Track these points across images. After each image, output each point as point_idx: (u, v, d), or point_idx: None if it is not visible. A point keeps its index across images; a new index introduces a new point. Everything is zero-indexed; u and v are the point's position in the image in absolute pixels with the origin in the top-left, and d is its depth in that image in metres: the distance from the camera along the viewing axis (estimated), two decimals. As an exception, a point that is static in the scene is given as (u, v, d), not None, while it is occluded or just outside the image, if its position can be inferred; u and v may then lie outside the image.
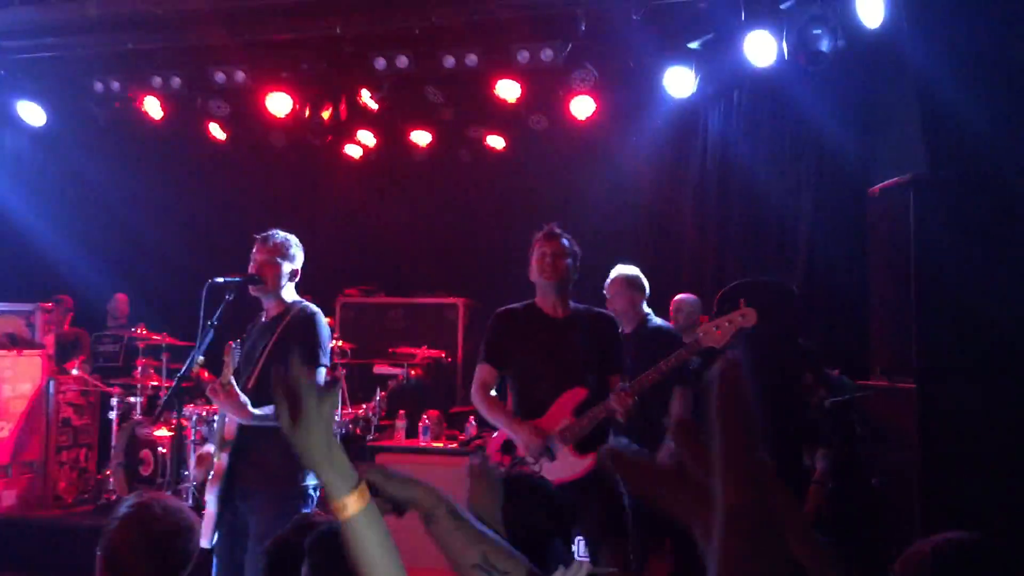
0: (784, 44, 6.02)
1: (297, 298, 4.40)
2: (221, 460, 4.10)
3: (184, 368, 4.11)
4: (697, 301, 6.29)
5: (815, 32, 5.87)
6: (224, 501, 4.05)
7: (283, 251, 4.32)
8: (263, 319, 4.40)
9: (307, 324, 4.26)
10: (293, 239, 4.40)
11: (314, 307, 4.37)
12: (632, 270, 5.54)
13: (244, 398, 4.02)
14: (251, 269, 4.33)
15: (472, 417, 6.79)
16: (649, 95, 7.52)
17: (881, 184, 4.95)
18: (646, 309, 5.49)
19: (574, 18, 6.77)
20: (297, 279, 4.40)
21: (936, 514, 4.32)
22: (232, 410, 4.07)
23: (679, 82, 7.07)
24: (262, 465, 4.03)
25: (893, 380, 4.71)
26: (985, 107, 4.74)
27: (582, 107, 7.46)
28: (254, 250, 4.34)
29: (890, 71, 5.98)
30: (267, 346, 4.22)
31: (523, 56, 7.15)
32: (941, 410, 4.40)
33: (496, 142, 8.65)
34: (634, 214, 8.52)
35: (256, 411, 4.02)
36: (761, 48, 6.25)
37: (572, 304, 4.44)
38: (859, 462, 5.05)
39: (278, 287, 4.31)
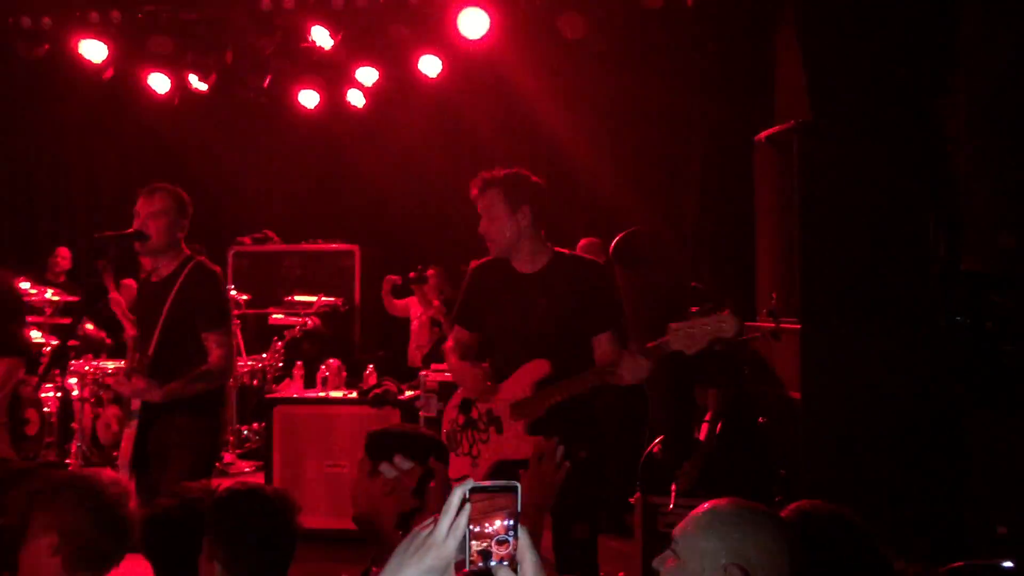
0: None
1: (188, 254, 4.24)
2: (130, 428, 4.02)
3: (71, 324, 4.00)
4: (602, 244, 6.36)
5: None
6: (138, 467, 3.99)
7: (170, 205, 4.15)
8: (152, 279, 4.25)
9: (207, 283, 4.15)
10: (180, 192, 4.24)
11: (211, 264, 4.25)
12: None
13: (150, 383, 3.92)
14: (135, 225, 4.17)
15: (371, 366, 6.77)
16: (543, 35, 7.45)
17: (766, 131, 5.07)
18: None
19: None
20: (184, 234, 4.26)
21: (816, 451, 4.54)
22: (141, 396, 3.97)
23: (572, 25, 7.04)
24: (172, 427, 3.98)
25: (778, 321, 4.89)
26: (867, 50, 4.88)
27: (473, 22, 7.22)
28: (138, 205, 4.15)
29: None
30: (164, 309, 4.09)
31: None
32: (822, 351, 4.59)
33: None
34: (531, 158, 8.54)
35: (164, 390, 3.94)
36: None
37: (555, 251, 3.76)
38: (747, 401, 5.25)
39: (166, 244, 4.16)
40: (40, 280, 8.10)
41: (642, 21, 6.85)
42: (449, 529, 1.34)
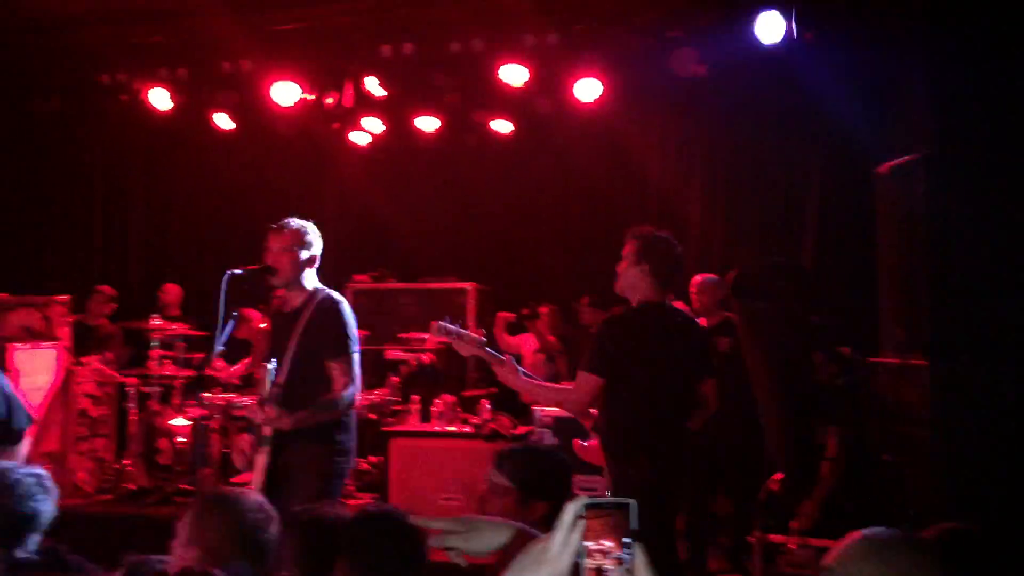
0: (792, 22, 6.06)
1: (319, 286, 4.38)
2: (261, 455, 4.15)
3: (205, 359, 4.19)
4: (720, 280, 6.34)
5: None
6: (269, 493, 4.12)
7: (298, 240, 4.31)
8: (285, 309, 4.42)
9: (333, 313, 4.27)
10: (309, 226, 4.38)
11: (337, 295, 4.38)
12: None
13: (280, 412, 4.06)
14: (267, 259, 4.35)
15: (484, 401, 6.87)
16: (655, 76, 7.52)
17: (890, 163, 4.98)
18: None
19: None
20: (315, 266, 4.39)
21: (945, 490, 4.38)
22: (272, 425, 4.12)
23: (684, 62, 7.08)
24: (302, 453, 4.10)
25: (904, 357, 4.76)
26: (995, 84, 4.77)
27: (588, 89, 7.47)
28: (268, 240, 4.34)
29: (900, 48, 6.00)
30: (293, 339, 4.24)
31: (528, 40, 7.23)
32: (952, 387, 4.45)
33: (502, 126, 8.65)
34: (641, 196, 8.56)
35: (293, 419, 4.07)
36: (770, 26, 6.28)
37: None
38: (871, 439, 5.11)
39: (295, 276, 4.31)
40: (162, 315, 8.51)
41: (758, 53, 6.84)
42: (563, 545, 1.35)
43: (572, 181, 8.94)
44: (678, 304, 5.19)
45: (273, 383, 4.17)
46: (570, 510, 1.36)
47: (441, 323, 3.96)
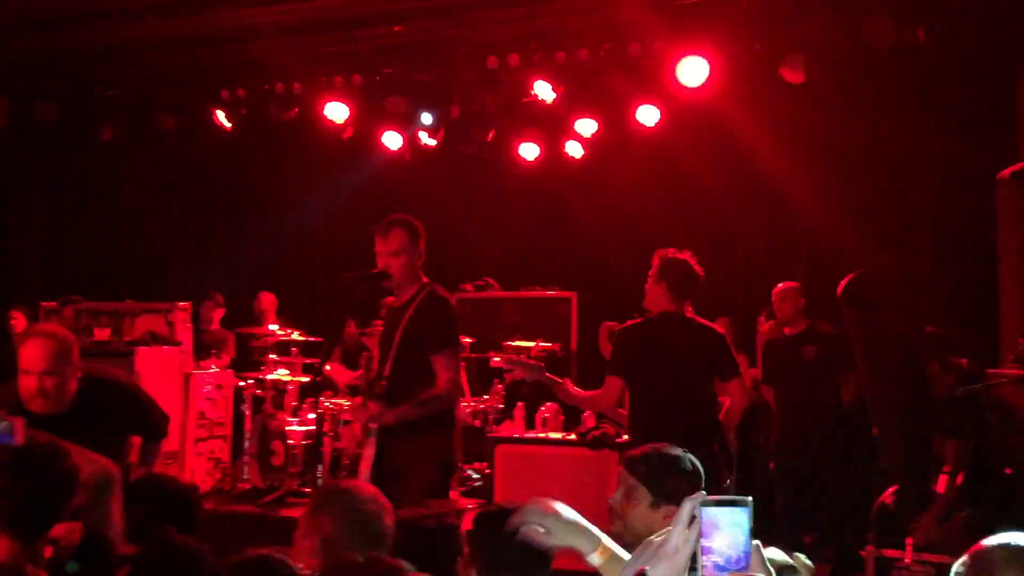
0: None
1: (425, 281, 4.45)
2: (368, 448, 4.26)
3: (321, 362, 4.33)
4: (800, 288, 6.36)
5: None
6: (376, 486, 4.23)
7: (405, 240, 4.38)
8: (394, 305, 4.52)
9: (439, 308, 4.36)
10: (413, 223, 4.45)
11: (443, 292, 4.46)
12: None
13: (383, 408, 4.18)
14: (379, 264, 4.44)
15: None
16: (763, 79, 7.44)
17: (1013, 167, 4.82)
18: None
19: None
20: (423, 261, 4.46)
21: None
22: (376, 421, 4.23)
23: (793, 69, 6.99)
24: (408, 448, 4.20)
25: (1028, 368, 4.59)
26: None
27: (693, 76, 7.35)
28: (376, 244, 4.42)
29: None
30: (399, 332, 4.34)
31: (635, 48, 7.26)
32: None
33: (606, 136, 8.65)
34: (750, 204, 8.48)
35: (395, 414, 4.17)
36: (879, 29, 6.17)
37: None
38: (991, 451, 4.94)
39: (406, 275, 4.40)
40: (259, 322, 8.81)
41: (869, 60, 6.71)
42: (681, 542, 1.36)
43: (678, 190, 8.91)
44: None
45: (378, 376, 4.28)
46: (687, 506, 1.37)
47: (507, 356, 4.23)
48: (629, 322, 4.96)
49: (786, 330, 6.51)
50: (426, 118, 8.24)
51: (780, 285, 6.54)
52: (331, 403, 7.14)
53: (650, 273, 4.86)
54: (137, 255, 9.96)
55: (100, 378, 3.77)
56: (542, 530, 2.04)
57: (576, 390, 4.81)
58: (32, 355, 3.48)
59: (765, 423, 6.91)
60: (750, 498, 1.34)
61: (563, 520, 2.05)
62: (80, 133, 9.02)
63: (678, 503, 2.69)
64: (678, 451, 2.91)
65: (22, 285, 8.94)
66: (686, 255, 4.87)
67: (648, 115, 7.95)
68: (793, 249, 8.13)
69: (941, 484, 5.00)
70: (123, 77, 8.83)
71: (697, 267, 4.84)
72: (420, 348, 4.29)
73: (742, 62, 7.12)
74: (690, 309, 4.92)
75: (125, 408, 3.88)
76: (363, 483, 2.92)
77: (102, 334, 7.41)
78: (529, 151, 8.88)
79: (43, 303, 7.78)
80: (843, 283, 5.18)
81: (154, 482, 3.07)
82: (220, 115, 8.64)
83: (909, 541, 4.79)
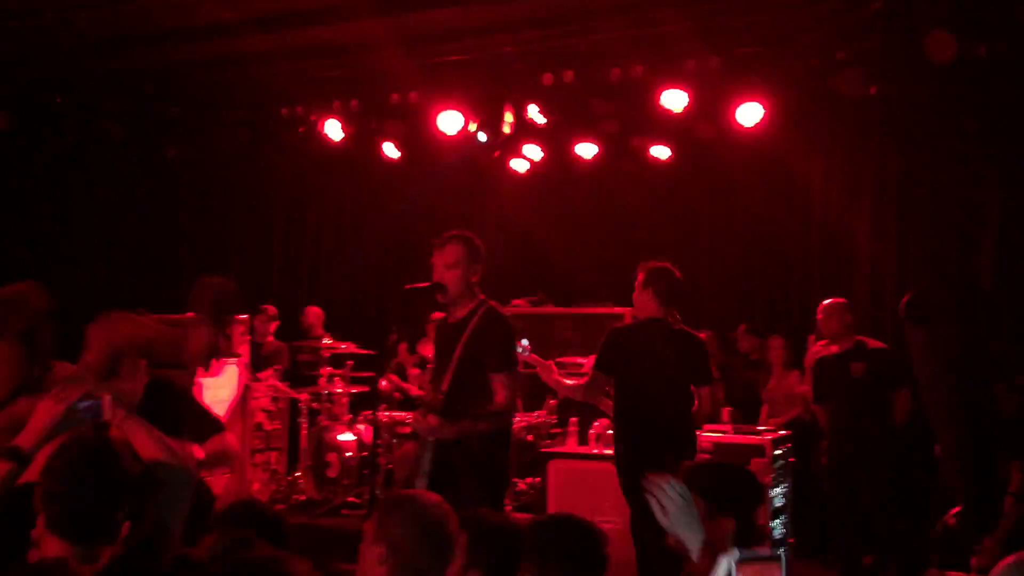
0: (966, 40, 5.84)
1: (482, 298, 4.48)
2: (424, 462, 4.28)
3: (379, 373, 4.37)
4: (847, 304, 6.30)
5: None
6: None
7: (463, 254, 4.40)
8: (448, 320, 4.54)
9: (498, 326, 4.38)
10: (472, 241, 4.47)
11: (500, 309, 4.48)
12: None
13: (443, 422, 4.19)
14: (434, 277, 4.48)
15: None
16: (820, 98, 7.38)
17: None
18: None
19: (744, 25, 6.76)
20: (478, 278, 4.48)
21: None
22: (435, 434, 4.25)
23: (852, 83, 6.92)
24: (462, 462, 4.21)
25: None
26: None
27: (749, 113, 7.40)
28: (433, 257, 4.44)
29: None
30: (457, 349, 4.36)
31: (689, 65, 7.23)
32: None
33: (661, 152, 8.66)
34: (803, 221, 8.39)
35: (455, 428, 4.19)
36: (941, 45, 6.07)
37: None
38: (1060, 473, 4.82)
39: (462, 290, 4.41)
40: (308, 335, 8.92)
41: (926, 75, 6.62)
42: None
43: (731, 206, 8.87)
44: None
45: (437, 392, 4.30)
46: (724, 563, 1.40)
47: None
48: (623, 323, 5.48)
49: (834, 348, 6.40)
50: (481, 136, 8.29)
51: (826, 301, 6.42)
52: (386, 416, 7.20)
53: (636, 283, 5.29)
54: (197, 269, 10.14)
55: (158, 380, 3.84)
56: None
57: (560, 377, 5.41)
58: None
59: (817, 443, 6.81)
60: (782, 554, 1.42)
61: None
62: (143, 150, 9.24)
63: (736, 516, 2.69)
64: (736, 464, 2.89)
65: (88, 298, 9.15)
66: (668, 265, 5.29)
67: (707, 132, 7.95)
68: (847, 266, 8.02)
69: (1007, 505, 4.89)
70: (185, 96, 9.02)
71: (679, 275, 5.27)
72: (480, 366, 4.31)
73: (796, 80, 7.07)
74: (677, 316, 5.34)
75: (179, 410, 3.94)
76: (427, 491, 2.94)
77: (163, 346, 7.55)
78: (586, 150, 8.86)
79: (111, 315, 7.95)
80: (904, 299, 5.11)
81: (246, 508, 3.08)
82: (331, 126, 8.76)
83: (974, 562, 4.69)
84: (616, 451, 5.27)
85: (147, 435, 2.81)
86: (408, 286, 4.57)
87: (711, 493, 2.76)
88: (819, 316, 6.41)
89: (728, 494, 2.78)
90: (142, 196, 9.75)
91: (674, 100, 7.43)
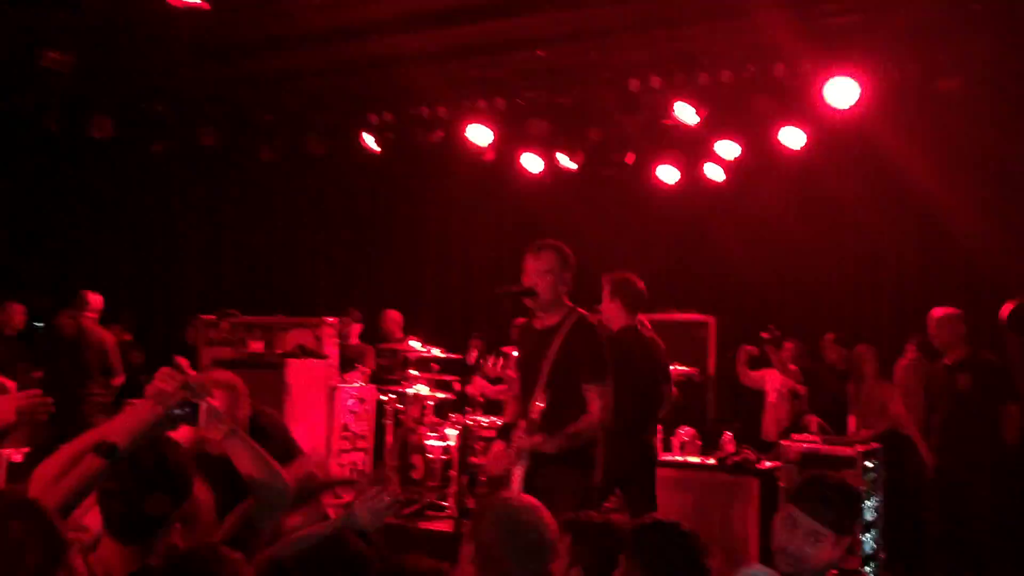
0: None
1: (570, 306, 4.47)
2: (520, 469, 4.29)
3: (461, 379, 4.41)
4: (960, 314, 6.09)
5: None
6: None
7: (557, 261, 4.40)
8: (536, 327, 4.55)
9: (590, 335, 4.36)
10: (564, 249, 4.48)
11: (590, 317, 4.49)
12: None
13: (546, 438, 4.18)
14: (525, 281, 4.50)
15: (729, 433, 6.79)
16: (918, 97, 7.20)
17: None
18: None
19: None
20: (568, 288, 4.48)
21: None
22: (539, 449, 4.22)
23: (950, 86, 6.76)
24: (553, 473, 4.22)
25: None
26: None
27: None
28: (526, 262, 4.45)
29: None
30: (548, 357, 4.36)
31: (779, 69, 7.16)
32: None
33: (731, 151, 8.50)
34: (902, 224, 8.22)
35: (555, 443, 4.19)
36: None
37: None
38: None
39: (554, 297, 4.42)
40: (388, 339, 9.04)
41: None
42: None
43: (823, 213, 8.72)
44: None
45: (534, 405, 4.32)
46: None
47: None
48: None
49: (945, 359, 6.22)
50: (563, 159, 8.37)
51: (938, 311, 6.21)
52: (471, 419, 7.26)
53: (604, 294, 5.62)
54: (288, 272, 10.41)
55: (260, 412, 4.00)
56: None
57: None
58: None
59: (910, 454, 6.65)
60: (869, 570, 1.43)
61: None
62: (237, 156, 9.52)
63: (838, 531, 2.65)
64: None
65: (185, 300, 9.48)
66: (632, 275, 5.67)
67: (793, 137, 7.81)
68: (948, 274, 7.83)
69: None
70: (277, 103, 9.28)
71: (641, 284, 5.63)
72: (572, 375, 4.30)
73: (894, 80, 6.92)
74: (645, 321, 5.77)
75: (278, 440, 4.07)
76: (523, 495, 2.96)
77: (256, 346, 7.78)
78: (669, 174, 8.86)
79: (203, 316, 8.22)
80: (1007, 308, 4.96)
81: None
82: (368, 139, 8.96)
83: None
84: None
85: (248, 453, 2.90)
86: (500, 289, 4.61)
87: (839, 520, 2.69)
88: (929, 326, 6.23)
89: (855, 518, 2.75)
90: (235, 200, 10.05)
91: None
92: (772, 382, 8.04)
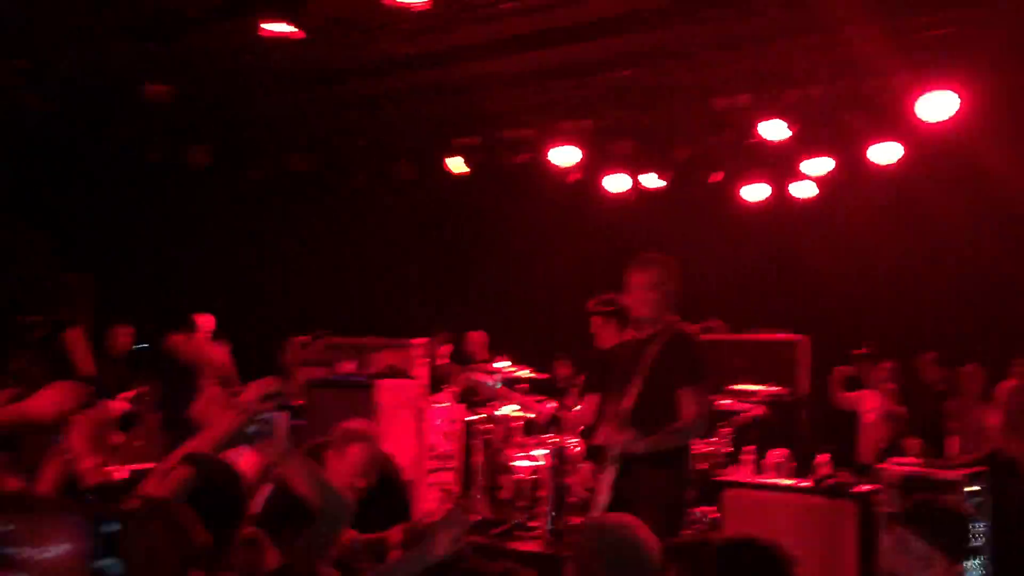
0: None
1: (670, 319, 4.46)
2: (607, 475, 4.29)
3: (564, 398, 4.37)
4: None
5: None
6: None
7: (660, 276, 4.43)
8: (632, 338, 4.55)
9: (689, 344, 4.37)
10: (666, 263, 4.49)
11: (688, 327, 4.46)
12: None
13: (637, 435, 4.20)
14: (627, 296, 4.49)
15: (824, 456, 6.63)
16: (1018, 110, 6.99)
17: None
18: None
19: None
20: (674, 301, 4.48)
21: None
22: (627, 448, 4.25)
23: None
24: (641, 479, 4.20)
25: None
26: None
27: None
28: (631, 277, 4.47)
29: None
30: (643, 364, 4.35)
31: (871, 83, 7.05)
32: None
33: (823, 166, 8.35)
34: (1002, 240, 7.97)
35: (645, 443, 4.18)
36: None
37: None
38: None
39: (656, 312, 4.42)
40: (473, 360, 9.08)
41: None
42: None
43: (918, 229, 8.50)
44: None
45: (621, 408, 4.31)
46: None
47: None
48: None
49: None
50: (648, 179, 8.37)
51: None
52: (559, 439, 7.25)
53: (598, 320, 5.72)
54: (378, 294, 10.58)
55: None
56: None
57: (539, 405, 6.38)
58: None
59: (1015, 479, 6.41)
60: None
61: None
62: (329, 181, 9.74)
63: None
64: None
65: (280, 322, 9.70)
66: (612, 296, 5.58)
67: (885, 152, 7.65)
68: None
69: None
70: (366, 129, 9.48)
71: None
72: (667, 382, 4.29)
73: (992, 92, 6.73)
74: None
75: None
76: (624, 516, 2.96)
77: (348, 367, 7.92)
78: (757, 192, 8.76)
79: (298, 338, 8.41)
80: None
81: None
82: (455, 162, 9.09)
83: None
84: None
85: (305, 473, 2.96)
86: (594, 304, 4.63)
87: (949, 543, 2.64)
88: None
89: (962, 541, 2.68)
90: (328, 224, 10.28)
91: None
92: (869, 403, 7.85)
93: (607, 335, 5.63)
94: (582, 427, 6.39)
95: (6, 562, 1.26)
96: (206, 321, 8.55)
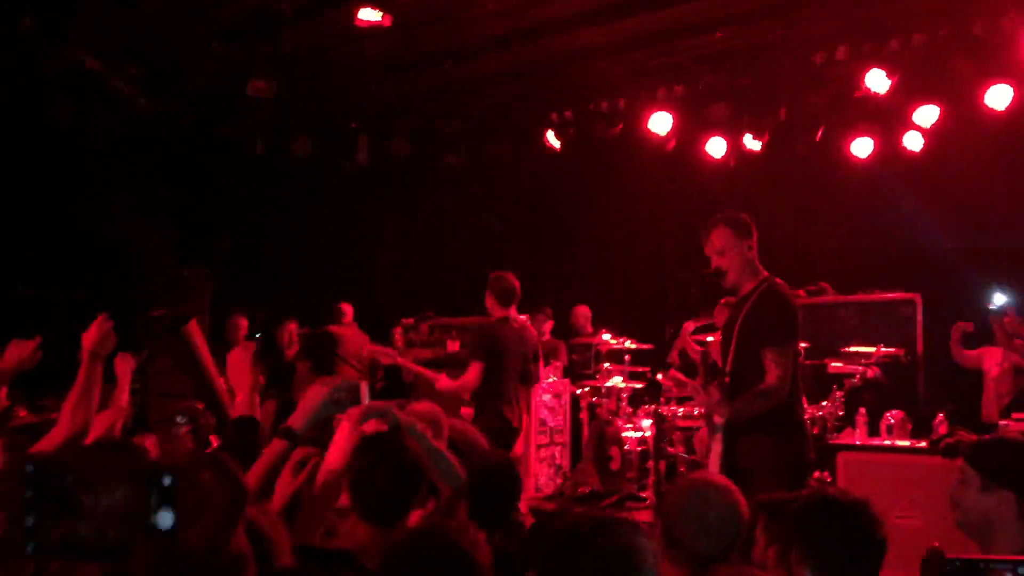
0: None
1: (765, 274, 4.36)
2: (717, 443, 4.26)
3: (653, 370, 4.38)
4: None
5: None
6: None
7: (730, 236, 4.32)
8: (735, 300, 4.48)
9: (776, 302, 4.25)
10: (736, 219, 4.36)
11: (782, 286, 4.34)
12: None
13: (722, 399, 4.13)
14: (712, 263, 4.40)
15: (941, 415, 6.44)
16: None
17: None
18: None
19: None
20: (754, 252, 4.34)
21: None
22: (712, 409, 4.22)
23: None
24: (750, 448, 4.15)
25: None
26: None
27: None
28: (705, 243, 4.38)
29: None
30: (737, 325, 4.28)
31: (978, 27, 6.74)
32: None
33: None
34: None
35: (729, 408, 4.12)
36: None
37: None
38: None
39: (740, 270, 4.32)
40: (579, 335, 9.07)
41: None
42: None
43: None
44: None
45: (719, 370, 4.27)
46: None
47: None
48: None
49: None
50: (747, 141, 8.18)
51: None
52: (666, 409, 7.25)
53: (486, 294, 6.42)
54: (480, 273, 10.70)
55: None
56: None
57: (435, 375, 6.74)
58: None
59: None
60: None
61: None
62: (427, 164, 9.90)
63: (1013, 488, 2.51)
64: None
65: (383, 305, 9.95)
66: (507, 273, 6.46)
67: (998, 97, 7.30)
68: None
69: None
70: (461, 110, 9.58)
71: (515, 281, 6.39)
72: (755, 342, 4.21)
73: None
74: (514, 312, 6.42)
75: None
76: (709, 475, 2.96)
77: (453, 346, 8.08)
78: (862, 147, 8.49)
79: (403, 320, 8.61)
80: None
81: None
82: (550, 137, 9.11)
83: None
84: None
85: (345, 439, 2.92)
86: (688, 273, 4.60)
87: (990, 467, 2.60)
88: None
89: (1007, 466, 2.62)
90: (426, 206, 10.45)
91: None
92: (992, 358, 7.56)
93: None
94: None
95: (67, 509, 1.38)
96: (348, 309, 8.79)
